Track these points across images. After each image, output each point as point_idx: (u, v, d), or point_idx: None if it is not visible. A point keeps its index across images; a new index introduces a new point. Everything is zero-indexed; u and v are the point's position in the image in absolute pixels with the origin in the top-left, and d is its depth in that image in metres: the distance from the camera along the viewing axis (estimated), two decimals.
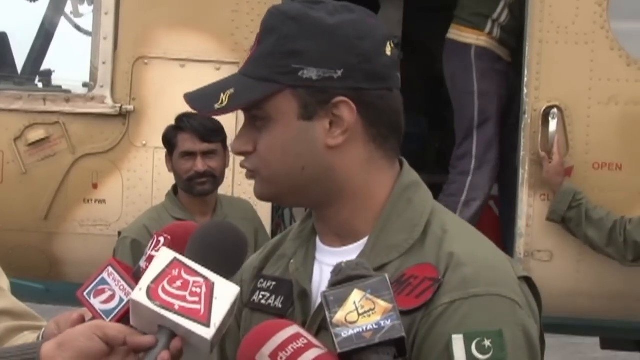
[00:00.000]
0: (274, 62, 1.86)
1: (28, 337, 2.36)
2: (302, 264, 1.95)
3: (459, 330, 1.76)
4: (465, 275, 1.80)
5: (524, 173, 5.56)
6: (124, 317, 1.93)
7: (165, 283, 1.74)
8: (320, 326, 1.85)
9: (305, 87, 1.86)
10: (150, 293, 1.74)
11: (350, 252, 1.91)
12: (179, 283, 1.74)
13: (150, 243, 1.93)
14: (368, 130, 1.90)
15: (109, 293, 1.97)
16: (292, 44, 1.86)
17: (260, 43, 1.88)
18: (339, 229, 1.93)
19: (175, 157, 4.82)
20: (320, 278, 1.92)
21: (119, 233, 4.91)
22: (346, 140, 1.88)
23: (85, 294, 1.99)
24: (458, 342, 1.75)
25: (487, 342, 1.75)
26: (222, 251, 1.81)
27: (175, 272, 1.75)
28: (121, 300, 1.95)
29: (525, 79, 5.55)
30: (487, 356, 1.74)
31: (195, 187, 4.82)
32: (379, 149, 1.92)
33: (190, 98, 1.89)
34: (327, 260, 1.93)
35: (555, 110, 5.48)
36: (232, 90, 1.85)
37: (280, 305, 1.94)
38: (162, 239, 1.90)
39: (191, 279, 1.75)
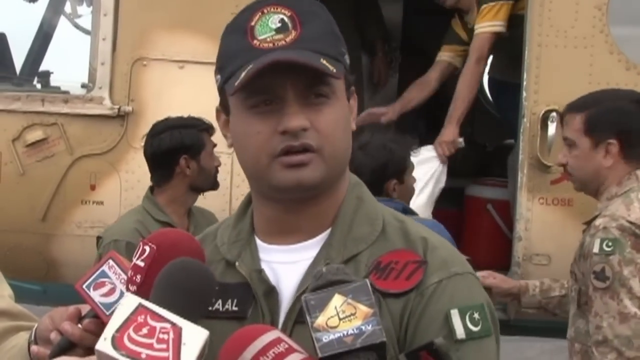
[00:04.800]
0: (332, 43, 1.92)
1: (23, 337, 2.35)
2: (253, 264, 1.96)
3: (452, 306, 1.87)
4: (444, 257, 1.93)
5: (523, 177, 5.56)
6: None
7: (130, 331, 1.69)
8: (295, 321, 1.88)
9: (347, 70, 1.95)
10: (116, 342, 1.68)
11: (308, 248, 1.95)
12: (145, 330, 1.69)
13: (136, 251, 1.89)
14: None
15: (109, 286, 1.95)
16: (336, 29, 1.94)
17: (303, 24, 1.89)
18: (308, 220, 1.95)
19: (206, 156, 4.94)
20: (276, 276, 1.94)
21: (98, 238, 4.90)
22: None
23: (84, 286, 1.96)
24: (455, 316, 1.87)
25: (476, 315, 1.88)
26: (188, 292, 1.76)
27: (141, 319, 1.70)
28: (122, 293, 1.93)
29: (525, 83, 5.55)
30: (479, 328, 1.87)
31: (217, 182, 5.05)
32: None
33: (292, 57, 1.85)
34: (278, 259, 1.96)
35: (554, 114, 5.47)
36: (324, 60, 1.86)
37: (236, 308, 1.93)
38: (147, 248, 1.86)
39: (158, 325, 1.70)
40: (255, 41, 1.88)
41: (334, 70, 1.86)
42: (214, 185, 5.05)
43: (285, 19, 1.89)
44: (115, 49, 5.72)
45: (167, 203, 4.93)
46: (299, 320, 1.86)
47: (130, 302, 1.73)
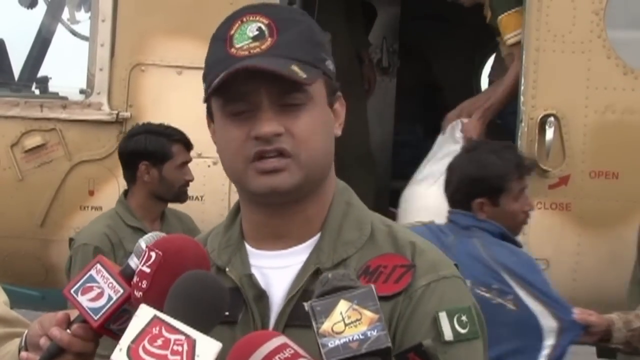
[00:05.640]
0: (309, 49, 1.93)
1: (16, 343, 2.35)
2: (243, 270, 1.98)
3: (440, 308, 1.90)
4: (432, 260, 1.96)
5: None
6: (112, 316, 1.92)
7: (145, 342, 1.71)
8: (285, 325, 1.91)
9: (329, 76, 1.97)
10: (131, 353, 1.71)
11: (298, 253, 1.97)
12: (159, 342, 1.71)
13: (141, 257, 1.88)
14: None
15: (97, 291, 1.94)
16: (316, 36, 1.97)
17: (280, 32, 1.91)
18: (297, 226, 1.97)
19: (171, 167, 4.94)
20: (267, 281, 1.96)
21: (71, 239, 4.93)
22: None
23: (72, 291, 1.96)
24: (443, 318, 1.89)
25: (463, 318, 1.91)
26: (202, 305, 1.78)
27: (155, 330, 1.72)
28: (110, 298, 1.93)
29: (522, 87, 5.55)
30: (466, 330, 1.90)
31: (183, 195, 5.01)
32: None
33: (259, 64, 1.86)
34: (269, 264, 1.98)
35: (552, 118, 5.47)
36: (296, 66, 1.88)
37: (226, 313, 1.92)
38: (153, 254, 1.86)
39: (172, 336, 1.72)
40: (232, 49, 1.92)
41: (304, 77, 1.88)
42: (179, 198, 5.02)
43: (263, 27, 1.92)
44: (114, 55, 5.73)
45: (136, 208, 4.97)
46: (289, 324, 1.90)
47: (145, 313, 1.75)
